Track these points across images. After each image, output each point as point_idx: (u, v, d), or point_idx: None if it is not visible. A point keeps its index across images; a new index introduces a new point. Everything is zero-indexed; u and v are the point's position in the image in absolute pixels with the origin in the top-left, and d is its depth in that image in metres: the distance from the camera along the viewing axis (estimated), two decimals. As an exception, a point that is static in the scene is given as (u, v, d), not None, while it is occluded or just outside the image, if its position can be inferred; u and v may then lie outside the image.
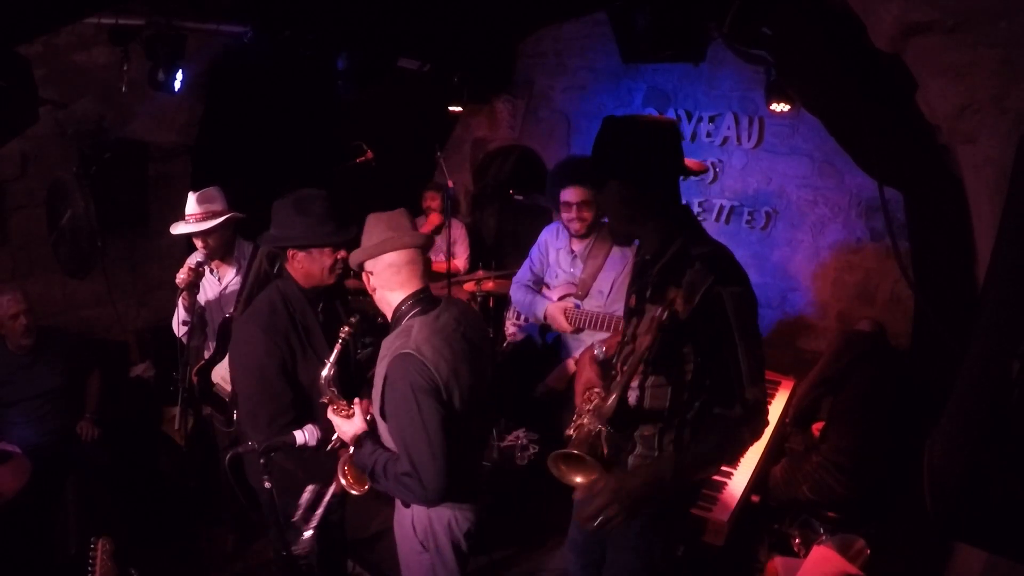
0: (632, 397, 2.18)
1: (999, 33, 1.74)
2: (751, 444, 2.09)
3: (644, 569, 2.32)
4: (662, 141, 2.11)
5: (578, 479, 2.00)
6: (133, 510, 3.70)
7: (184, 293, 3.28)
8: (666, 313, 1.96)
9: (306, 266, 2.65)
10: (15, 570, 3.33)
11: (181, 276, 3.23)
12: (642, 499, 1.95)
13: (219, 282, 3.48)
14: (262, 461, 2.23)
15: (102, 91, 4.12)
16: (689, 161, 2.21)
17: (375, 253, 2.21)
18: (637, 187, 2.09)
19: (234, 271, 3.47)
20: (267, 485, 2.26)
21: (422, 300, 2.23)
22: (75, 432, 3.83)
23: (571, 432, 2.18)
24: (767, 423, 2.06)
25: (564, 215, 3.60)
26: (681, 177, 2.19)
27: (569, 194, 3.49)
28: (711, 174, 5.08)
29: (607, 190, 2.15)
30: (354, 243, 2.37)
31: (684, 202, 5.82)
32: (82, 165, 4.12)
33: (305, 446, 2.36)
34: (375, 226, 2.24)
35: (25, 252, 4.40)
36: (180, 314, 3.37)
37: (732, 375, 1.98)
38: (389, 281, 2.23)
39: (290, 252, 2.64)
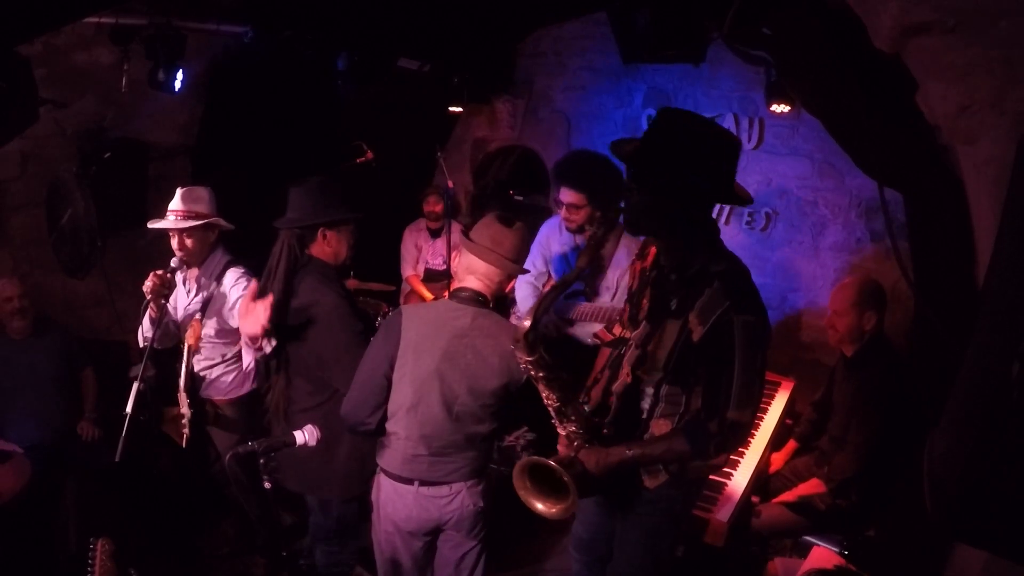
0: (647, 403, 2.22)
1: (999, 33, 1.73)
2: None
3: (651, 566, 2.35)
4: (721, 158, 2.08)
5: (539, 505, 2.11)
6: (133, 510, 3.70)
7: (151, 303, 2.97)
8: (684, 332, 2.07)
9: (335, 245, 2.75)
10: (15, 570, 3.33)
11: (148, 284, 2.92)
12: (614, 472, 2.12)
13: (187, 295, 3.27)
14: (262, 461, 2.23)
15: (102, 91, 4.12)
16: (739, 188, 2.17)
17: (470, 249, 2.46)
18: (679, 204, 2.05)
19: (196, 286, 3.24)
20: (267, 485, 2.26)
21: (457, 292, 2.48)
22: (75, 432, 3.84)
23: (562, 433, 2.24)
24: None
25: (559, 210, 3.62)
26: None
27: (564, 194, 3.50)
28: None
29: (644, 196, 2.06)
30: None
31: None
32: (82, 165, 4.12)
33: (305, 446, 2.36)
34: (488, 226, 2.44)
35: (25, 252, 4.40)
36: (144, 326, 3.09)
37: (721, 394, 2.03)
38: (461, 267, 2.52)
39: (321, 231, 2.72)
